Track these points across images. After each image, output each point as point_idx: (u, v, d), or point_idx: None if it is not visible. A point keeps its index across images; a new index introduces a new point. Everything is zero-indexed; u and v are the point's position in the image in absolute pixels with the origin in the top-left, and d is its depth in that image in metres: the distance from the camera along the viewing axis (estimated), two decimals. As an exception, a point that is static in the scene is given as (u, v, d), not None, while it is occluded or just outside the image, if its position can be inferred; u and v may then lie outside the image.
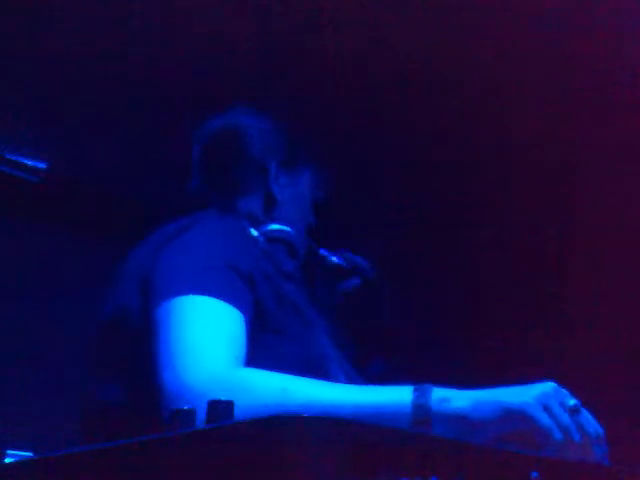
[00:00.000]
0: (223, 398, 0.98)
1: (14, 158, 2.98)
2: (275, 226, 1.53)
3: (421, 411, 1.10)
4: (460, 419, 1.10)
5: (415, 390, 1.13)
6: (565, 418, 1.09)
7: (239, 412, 0.88)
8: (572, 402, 1.12)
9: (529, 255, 3.22)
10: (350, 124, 2.72)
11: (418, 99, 2.67)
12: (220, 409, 0.81)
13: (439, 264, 3.34)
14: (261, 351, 1.26)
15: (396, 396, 1.13)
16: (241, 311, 1.28)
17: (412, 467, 0.75)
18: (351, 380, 1.38)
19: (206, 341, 1.22)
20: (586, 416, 1.12)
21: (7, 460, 0.98)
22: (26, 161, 2.99)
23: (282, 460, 0.70)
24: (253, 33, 2.44)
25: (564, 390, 1.14)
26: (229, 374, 1.18)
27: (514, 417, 1.09)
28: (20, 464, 0.94)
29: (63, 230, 3.10)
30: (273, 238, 1.51)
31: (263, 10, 2.35)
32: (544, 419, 1.08)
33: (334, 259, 1.68)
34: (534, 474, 0.85)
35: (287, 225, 1.55)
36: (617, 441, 1.15)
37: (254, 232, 1.48)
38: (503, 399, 1.11)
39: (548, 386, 1.12)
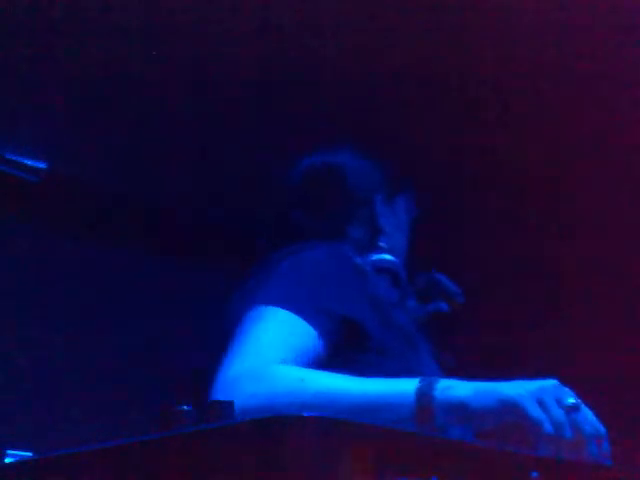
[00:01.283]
0: (248, 390, 1.13)
1: (14, 158, 2.98)
2: (383, 256, 1.65)
3: (424, 398, 1.14)
4: (461, 408, 1.13)
5: (421, 380, 1.17)
6: (558, 413, 1.10)
7: (258, 400, 1.06)
8: (571, 400, 1.12)
9: (528, 253, 3.22)
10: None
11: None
12: (220, 409, 0.81)
13: (439, 263, 3.34)
14: (363, 368, 1.31)
15: (403, 385, 1.18)
16: (318, 332, 1.35)
17: (412, 467, 0.75)
18: None
19: (263, 343, 1.31)
20: (585, 415, 1.13)
21: (7, 460, 0.98)
22: (26, 161, 2.99)
23: (282, 460, 0.70)
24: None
25: (565, 388, 1.14)
26: (262, 369, 1.25)
27: (508, 408, 1.11)
28: (20, 464, 0.94)
29: (63, 230, 3.10)
30: (381, 268, 1.63)
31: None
32: (535, 412, 1.09)
33: (423, 281, 1.78)
34: (534, 474, 0.85)
35: (392, 254, 1.67)
36: (617, 441, 1.15)
37: (360, 260, 1.58)
38: (501, 390, 1.13)
39: (548, 382, 1.14)
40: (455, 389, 1.15)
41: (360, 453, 0.72)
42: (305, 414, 0.71)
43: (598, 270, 3.19)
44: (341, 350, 1.37)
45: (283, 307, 1.36)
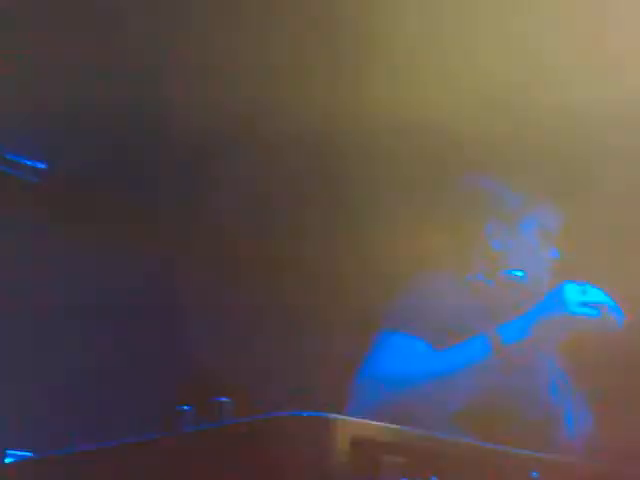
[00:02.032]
0: None
1: (14, 158, 2.98)
2: None
3: None
4: None
5: None
6: None
7: None
8: None
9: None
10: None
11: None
12: (220, 409, 0.81)
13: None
14: None
15: None
16: None
17: (412, 467, 0.75)
18: None
19: None
20: None
21: (7, 460, 0.98)
22: (26, 161, 2.99)
23: (282, 459, 0.70)
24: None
25: None
26: None
27: None
28: (20, 464, 0.94)
29: (63, 230, 3.09)
30: None
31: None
32: None
33: None
34: (534, 474, 0.85)
35: None
36: (618, 441, 1.15)
37: None
38: None
39: None
40: None
41: (360, 453, 0.72)
42: (305, 414, 0.71)
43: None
44: None
45: None
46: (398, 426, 0.80)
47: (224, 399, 0.82)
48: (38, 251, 2.99)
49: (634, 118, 1.97)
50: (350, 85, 2.09)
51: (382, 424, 0.78)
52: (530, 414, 1.38)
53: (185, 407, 0.83)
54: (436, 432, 1.08)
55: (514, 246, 1.65)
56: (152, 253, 3.05)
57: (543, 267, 1.64)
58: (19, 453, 1.47)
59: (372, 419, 0.84)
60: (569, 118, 2.02)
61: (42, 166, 3.01)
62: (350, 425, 0.74)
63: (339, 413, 0.84)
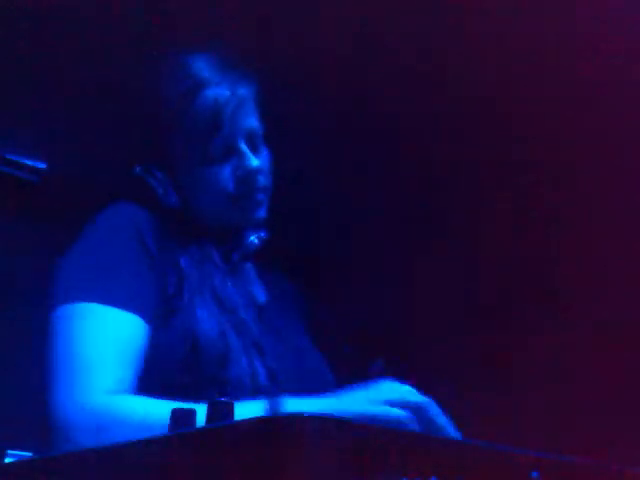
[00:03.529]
0: (92, 431, 1.08)
1: (14, 158, 2.98)
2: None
3: None
4: None
5: (266, 409, 1.12)
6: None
7: (106, 439, 0.92)
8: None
9: (527, 253, 3.22)
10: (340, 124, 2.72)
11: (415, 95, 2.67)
12: (220, 409, 0.81)
13: (438, 262, 3.34)
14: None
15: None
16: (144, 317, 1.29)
17: (412, 467, 0.75)
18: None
19: (88, 364, 1.22)
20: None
21: (7, 460, 0.98)
22: (26, 161, 2.99)
23: (282, 460, 0.70)
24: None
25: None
26: (99, 406, 1.18)
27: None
28: (20, 464, 0.94)
29: (63, 230, 3.10)
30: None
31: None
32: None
33: None
34: (534, 474, 0.85)
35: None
36: (617, 441, 1.15)
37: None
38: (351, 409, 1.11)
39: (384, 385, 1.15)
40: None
41: (360, 453, 0.72)
42: (305, 414, 0.71)
43: (598, 270, 3.19)
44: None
45: (88, 300, 1.28)
46: (398, 426, 0.80)
47: (224, 399, 0.82)
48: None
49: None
50: None
51: (382, 424, 0.78)
52: None
53: (186, 407, 0.83)
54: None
55: None
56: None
57: None
58: (19, 453, 1.47)
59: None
60: None
61: (42, 166, 3.01)
62: (350, 425, 0.74)
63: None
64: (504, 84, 2.59)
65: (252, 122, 1.49)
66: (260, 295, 1.51)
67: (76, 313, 1.28)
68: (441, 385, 1.48)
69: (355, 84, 2.59)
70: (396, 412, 1.09)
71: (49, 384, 1.23)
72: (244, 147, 1.47)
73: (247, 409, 1.07)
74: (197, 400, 0.99)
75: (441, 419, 1.13)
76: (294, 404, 1.10)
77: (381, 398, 1.11)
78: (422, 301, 3.47)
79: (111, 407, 1.18)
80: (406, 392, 1.14)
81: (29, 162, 3.00)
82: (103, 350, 1.24)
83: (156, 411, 1.15)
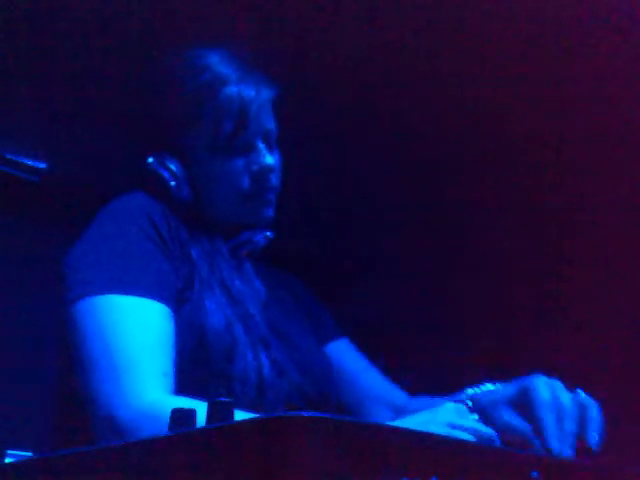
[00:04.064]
0: (148, 431, 1.01)
1: (14, 158, 2.98)
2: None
3: None
4: None
5: None
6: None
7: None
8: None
9: (529, 253, 3.22)
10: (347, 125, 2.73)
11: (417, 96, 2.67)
12: (220, 409, 0.81)
13: (438, 264, 3.34)
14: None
15: None
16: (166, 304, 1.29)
17: (412, 467, 0.75)
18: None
19: (133, 359, 1.20)
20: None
21: (7, 460, 0.98)
22: (26, 161, 2.99)
23: (282, 460, 0.70)
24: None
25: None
26: (154, 406, 1.16)
27: None
28: (20, 464, 0.94)
29: (63, 230, 3.10)
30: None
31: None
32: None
33: None
34: (534, 474, 0.85)
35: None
36: (617, 441, 1.15)
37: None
38: None
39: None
40: None
41: (360, 453, 0.72)
42: (305, 414, 0.71)
43: (598, 270, 3.19)
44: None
45: (117, 292, 1.26)
46: (398, 426, 0.80)
47: (224, 399, 0.82)
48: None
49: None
50: None
51: (382, 424, 0.78)
52: None
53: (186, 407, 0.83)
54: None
55: None
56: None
57: None
58: (19, 453, 1.47)
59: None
60: None
61: (42, 166, 3.01)
62: (350, 425, 0.74)
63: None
64: (507, 83, 2.60)
65: (270, 123, 1.53)
66: (262, 291, 1.53)
67: (104, 305, 1.26)
68: (441, 386, 1.48)
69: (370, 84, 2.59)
70: (458, 434, 1.10)
71: (88, 382, 1.20)
72: (261, 145, 1.50)
73: None
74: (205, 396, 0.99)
75: None
76: None
77: (445, 420, 1.13)
78: (421, 301, 3.47)
79: (166, 407, 1.18)
80: (473, 421, 1.15)
81: (29, 162, 3.00)
82: (144, 343, 1.22)
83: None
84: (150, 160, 1.50)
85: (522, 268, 3.29)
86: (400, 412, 1.53)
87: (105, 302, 1.27)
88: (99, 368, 1.21)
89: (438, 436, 0.89)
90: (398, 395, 1.61)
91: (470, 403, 1.24)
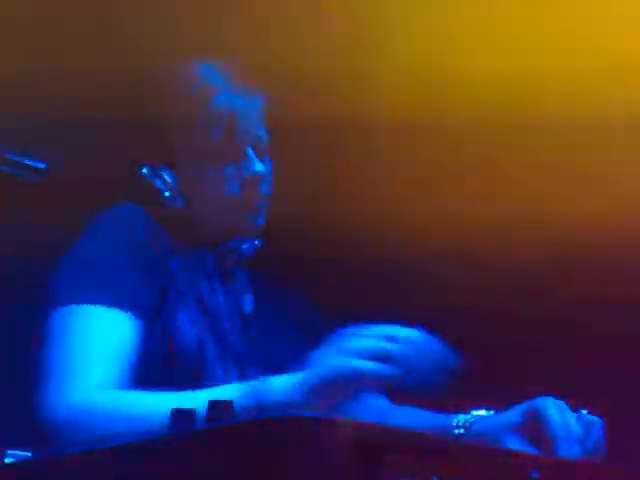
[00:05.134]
0: (78, 429, 1.15)
1: (14, 158, 2.98)
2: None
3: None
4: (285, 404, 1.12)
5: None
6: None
7: (85, 436, 1.07)
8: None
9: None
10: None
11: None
12: (220, 409, 0.81)
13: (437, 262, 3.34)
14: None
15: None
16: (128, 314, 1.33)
17: (412, 467, 0.75)
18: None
19: (73, 364, 1.27)
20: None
21: (7, 460, 0.98)
22: (26, 161, 2.99)
23: (282, 460, 0.70)
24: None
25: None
26: (83, 403, 1.23)
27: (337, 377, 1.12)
28: (20, 464, 0.94)
29: (63, 230, 3.10)
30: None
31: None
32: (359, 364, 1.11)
33: None
34: (534, 474, 0.85)
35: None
36: (618, 441, 1.16)
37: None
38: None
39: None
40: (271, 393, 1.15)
41: (360, 453, 0.72)
42: (305, 414, 0.71)
43: (599, 277, 3.19)
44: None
45: (81, 302, 1.32)
46: (398, 426, 0.80)
47: (224, 399, 0.82)
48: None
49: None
50: None
51: (382, 424, 0.78)
52: None
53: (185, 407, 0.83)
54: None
55: None
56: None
57: None
58: (19, 453, 1.47)
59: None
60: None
61: (42, 166, 3.01)
62: (350, 425, 0.74)
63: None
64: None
65: (259, 131, 1.54)
66: (248, 304, 1.54)
67: (66, 315, 1.32)
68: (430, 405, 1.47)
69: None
70: (357, 364, 1.10)
71: (39, 385, 1.29)
72: (251, 153, 1.52)
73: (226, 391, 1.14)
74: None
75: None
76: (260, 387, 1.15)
77: (347, 349, 1.13)
78: (421, 302, 3.47)
79: (94, 403, 1.22)
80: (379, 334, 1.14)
81: (29, 162, 3.00)
82: (87, 349, 1.29)
83: (139, 402, 1.20)
84: (144, 171, 1.51)
85: (523, 269, 3.28)
86: (382, 414, 1.53)
87: (65, 312, 1.33)
88: (46, 372, 1.31)
89: (438, 436, 0.89)
90: (381, 402, 1.61)
91: (462, 430, 1.25)
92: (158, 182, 1.51)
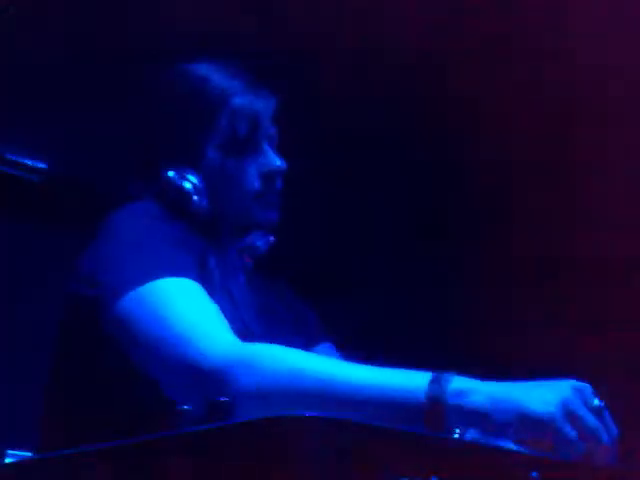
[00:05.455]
0: (243, 374, 1.14)
1: (14, 158, 2.98)
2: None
3: (436, 405, 1.08)
4: (476, 417, 1.06)
5: (432, 381, 1.10)
6: (591, 423, 1.07)
7: (251, 388, 1.10)
8: (596, 402, 1.09)
9: (534, 253, 3.21)
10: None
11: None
12: (220, 409, 0.81)
13: (438, 264, 3.34)
14: None
15: (412, 382, 1.11)
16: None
17: (412, 467, 0.75)
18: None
19: (199, 317, 1.27)
20: (608, 417, 1.10)
21: (7, 460, 0.98)
22: (26, 161, 2.99)
23: (282, 460, 0.70)
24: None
25: (587, 387, 1.10)
26: (242, 349, 1.23)
27: (537, 426, 1.04)
28: (20, 464, 0.94)
29: (63, 230, 3.10)
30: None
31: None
32: (570, 433, 1.04)
33: None
34: (534, 474, 0.85)
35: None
36: (619, 440, 1.15)
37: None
38: (524, 403, 1.06)
39: (568, 386, 1.08)
40: (470, 395, 1.08)
41: (360, 453, 0.72)
42: (305, 414, 0.71)
43: (600, 268, 3.19)
44: None
45: (152, 279, 1.31)
46: (398, 426, 0.80)
47: (224, 399, 0.82)
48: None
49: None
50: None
51: (382, 424, 0.78)
52: None
53: (185, 407, 0.83)
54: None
55: None
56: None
57: None
58: (19, 453, 1.47)
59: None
60: None
61: (42, 166, 3.01)
62: (350, 425, 0.74)
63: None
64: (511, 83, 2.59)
65: (272, 129, 1.61)
66: (255, 302, 1.59)
67: (151, 292, 1.31)
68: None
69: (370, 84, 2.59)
70: (570, 432, 1.04)
71: (177, 344, 1.24)
72: (269, 149, 1.59)
73: (409, 378, 1.12)
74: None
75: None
76: (460, 384, 1.10)
77: (562, 397, 1.07)
78: (420, 303, 3.47)
79: (272, 348, 1.23)
80: (589, 395, 1.09)
81: (29, 162, 3.00)
82: (205, 308, 1.30)
83: (324, 364, 1.20)
84: (171, 174, 1.53)
85: (530, 267, 3.27)
86: None
87: (155, 286, 1.31)
88: (184, 330, 1.26)
89: (438, 436, 0.89)
90: None
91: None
92: (186, 186, 1.52)
